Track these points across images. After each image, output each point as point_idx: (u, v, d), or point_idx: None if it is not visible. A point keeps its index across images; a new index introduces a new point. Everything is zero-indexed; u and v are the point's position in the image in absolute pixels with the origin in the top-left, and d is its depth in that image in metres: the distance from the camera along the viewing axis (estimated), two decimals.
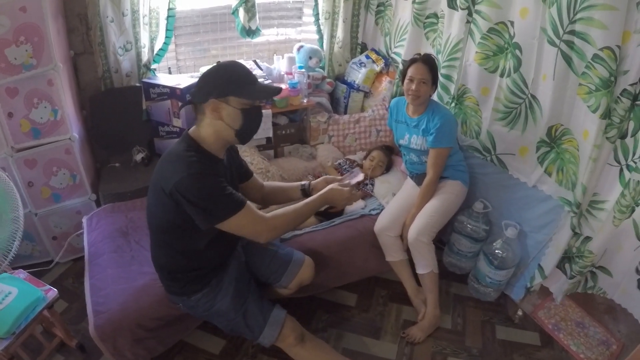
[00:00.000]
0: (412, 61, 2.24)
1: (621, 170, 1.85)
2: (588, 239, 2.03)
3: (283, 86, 2.82)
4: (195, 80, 2.51)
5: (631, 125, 1.76)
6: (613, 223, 1.88)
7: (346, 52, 3.32)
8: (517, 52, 2.12)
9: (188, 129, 1.61)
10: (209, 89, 1.50)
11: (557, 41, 1.90)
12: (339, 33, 3.23)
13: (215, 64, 1.55)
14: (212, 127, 1.54)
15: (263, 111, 1.91)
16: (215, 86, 1.50)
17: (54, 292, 1.90)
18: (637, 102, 1.72)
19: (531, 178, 2.26)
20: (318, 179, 2.00)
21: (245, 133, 1.59)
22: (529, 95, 2.15)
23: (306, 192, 1.96)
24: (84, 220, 2.38)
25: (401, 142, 2.45)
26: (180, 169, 1.47)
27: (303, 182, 1.99)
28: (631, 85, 1.70)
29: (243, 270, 1.90)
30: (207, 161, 1.55)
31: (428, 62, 2.21)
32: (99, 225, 2.32)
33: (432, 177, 2.30)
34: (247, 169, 1.96)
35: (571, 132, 2.01)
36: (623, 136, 1.81)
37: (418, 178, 2.45)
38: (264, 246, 1.98)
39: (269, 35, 3.27)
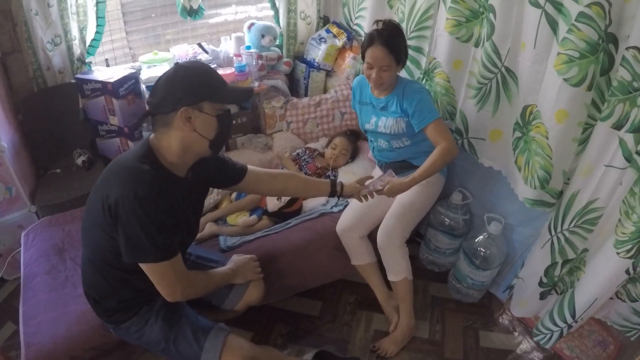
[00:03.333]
0: (370, 42, 1.86)
1: None
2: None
3: (229, 71, 2.58)
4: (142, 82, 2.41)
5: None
6: (616, 230, 1.57)
7: (313, 28, 3.00)
8: (491, 15, 1.79)
9: (149, 136, 1.38)
10: (178, 96, 1.27)
11: (541, 1, 1.57)
12: (304, 7, 2.90)
13: (174, 66, 1.32)
14: (181, 140, 1.32)
15: None
16: (186, 92, 1.27)
17: None
18: None
19: (508, 168, 1.96)
20: (352, 183, 1.83)
21: (219, 142, 1.40)
22: (502, 69, 1.82)
23: (335, 191, 1.78)
24: (22, 236, 2.16)
25: (367, 126, 2.12)
26: (127, 184, 1.25)
27: (336, 181, 1.82)
28: (629, 49, 1.37)
29: None
30: (162, 182, 1.31)
31: (388, 43, 1.83)
32: (35, 242, 2.10)
33: (448, 144, 1.87)
34: (235, 167, 1.68)
35: (540, 116, 1.70)
36: (619, 126, 1.47)
37: (388, 168, 2.14)
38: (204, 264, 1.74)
39: (227, 14, 2.97)
